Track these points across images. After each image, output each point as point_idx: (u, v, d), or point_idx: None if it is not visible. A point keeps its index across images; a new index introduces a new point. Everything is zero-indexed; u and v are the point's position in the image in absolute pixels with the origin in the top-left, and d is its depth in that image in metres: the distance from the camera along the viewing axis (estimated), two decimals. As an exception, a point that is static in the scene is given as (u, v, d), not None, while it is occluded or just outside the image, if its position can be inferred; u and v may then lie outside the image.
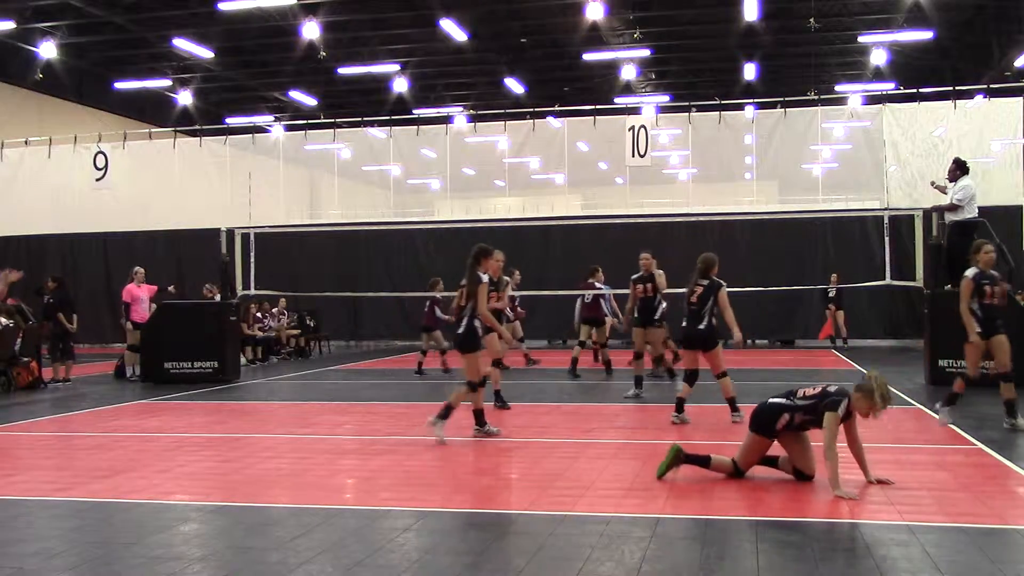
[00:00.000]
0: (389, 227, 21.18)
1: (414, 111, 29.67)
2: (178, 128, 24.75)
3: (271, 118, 32.16)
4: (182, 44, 24.73)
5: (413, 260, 21.69)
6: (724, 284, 9.12)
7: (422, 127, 22.19)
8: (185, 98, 30.16)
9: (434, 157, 22.41)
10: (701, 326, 9.01)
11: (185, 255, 21.16)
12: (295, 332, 19.74)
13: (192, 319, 14.64)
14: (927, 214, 14.10)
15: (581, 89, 31.22)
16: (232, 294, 15.11)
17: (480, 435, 8.33)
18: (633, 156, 19.58)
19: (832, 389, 6.12)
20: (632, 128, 19.52)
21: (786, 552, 4.71)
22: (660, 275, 11.21)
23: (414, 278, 21.08)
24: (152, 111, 31.03)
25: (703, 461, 6.41)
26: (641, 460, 7.15)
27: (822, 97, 21.50)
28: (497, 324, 8.51)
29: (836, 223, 19.69)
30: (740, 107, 21.03)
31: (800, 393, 6.23)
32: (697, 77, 31.25)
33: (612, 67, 28.72)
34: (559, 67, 30.06)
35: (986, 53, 25.61)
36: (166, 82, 29.38)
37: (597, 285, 14.20)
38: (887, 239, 14.27)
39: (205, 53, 25.62)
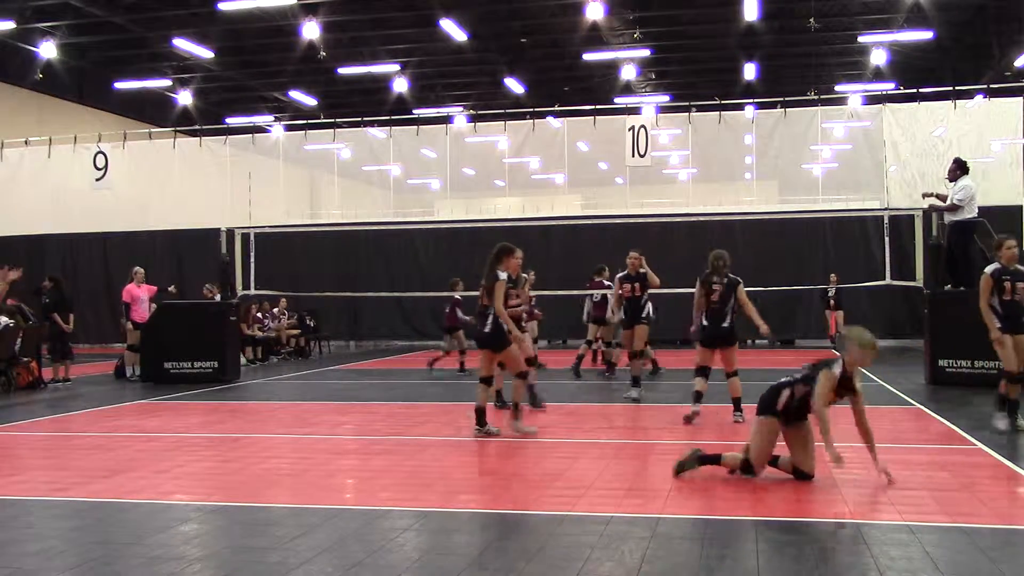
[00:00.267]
0: (389, 227, 21.17)
1: (414, 111, 29.68)
2: (178, 128, 24.75)
3: (271, 118, 32.16)
4: (182, 44, 24.71)
5: (413, 260, 21.70)
6: (741, 281, 9.13)
7: (422, 127, 22.20)
8: (185, 98, 30.15)
9: (434, 157, 22.42)
10: (725, 324, 9.02)
11: (185, 255, 21.15)
12: (295, 332, 19.74)
13: (192, 319, 14.62)
14: (927, 214, 14.10)
15: (581, 89, 31.21)
16: (232, 294, 15.11)
17: (480, 435, 8.33)
18: (633, 156, 19.59)
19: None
20: (632, 128, 19.53)
21: (786, 552, 4.71)
22: (651, 274, 11.06)
23: (414, 278, 21.15)
24: (152, 111, 31.01)
25: (715, 459, 6.42)
26: (641, 460, 7.16)
27: (822, 97, 21.51)
28: (512, 323, 8.46)
29: (836, 223, 19.69)
30: (740, 107, 21.03)
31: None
32: (697, 77, 31.24)
33: (612, 67, 28.72)
34: (559, 67, 30.05)
35: (986, 53, 25.61)
36: (166, 82, 29.37)
37: (606, 283, 14.22)
38: (887, 239, 14.27)
39: (205, 53, 25.61)
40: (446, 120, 23.82)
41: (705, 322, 9.09)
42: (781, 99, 20.35)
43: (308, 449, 8.14)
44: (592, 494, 6.00)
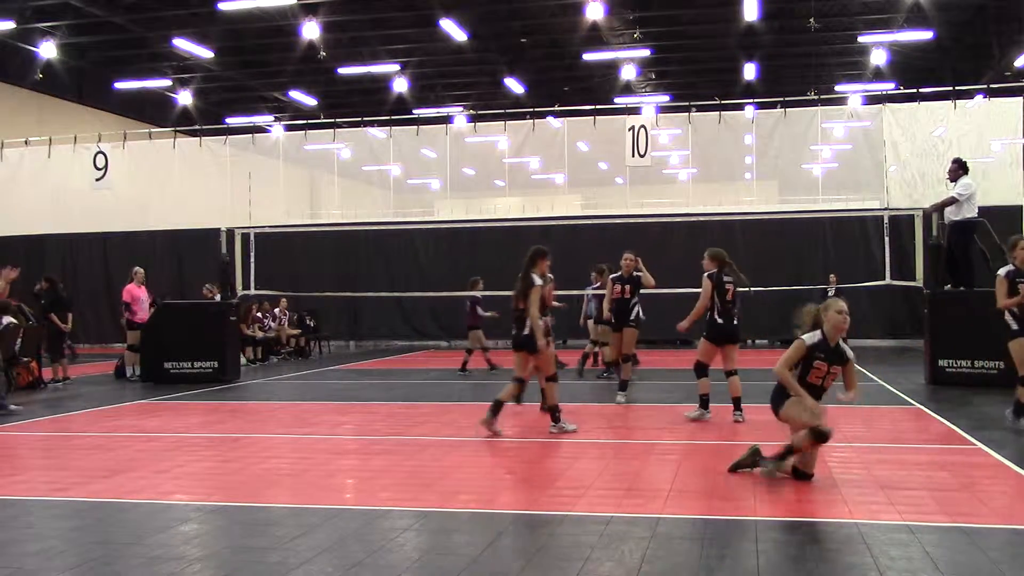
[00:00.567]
0: (389, 227, 21.17)
1: (414, 111, 29.69)
2: (178, 128, 24.76)
3: (271, 118, 32.16)
4: (182, 44, 24.72)
5: (413, 260, 21.70)
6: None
7: (422, 127, 22.20)
8: (185, 98, 30.15)
9: (434, 157, 22.42)
10: (736, 322, 9.11)
11: (185, 255, 21.16)
12: (295, 332, 19.75)
13: (192, 319, 14.63)
14: (927, 214, 14.09)
15: (581, 89, 31.21)
16: (232, 294, 15.10)
17: (484, 424, 8.33)
18: (633, 156, 19.58)
19: None
20: (632, 128, 19.53)
21: (786, 552, 4.71)
22: (646, 275, 10.93)
23: (414, 278, 21.15)
24: (152, 111, 31.02)
25: (783, 455, 6.33)
26: (641, 460, 7.16)
27: (822, 97, 21.51)
28: (541, 333, 8.40)
29: (836, 223, 19.68)
30: (740, 107, 21.04)
31: None
32: (697, 77, 31.24)
33: (612, 67, 28.72)
34: (559, 67, 30.05)
35: (986, 53, 25.61)
36: (166, 82, 29.37)
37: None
38: (887, 239, 14.26)
39: (205, 53, 25.61)
40: (446, 120, 23.83)
41: (720, 319, 9.09)
42: (781, 99, 20.35)
43: (308, 449, 8.14)
44: (592, 494, 6.00)
